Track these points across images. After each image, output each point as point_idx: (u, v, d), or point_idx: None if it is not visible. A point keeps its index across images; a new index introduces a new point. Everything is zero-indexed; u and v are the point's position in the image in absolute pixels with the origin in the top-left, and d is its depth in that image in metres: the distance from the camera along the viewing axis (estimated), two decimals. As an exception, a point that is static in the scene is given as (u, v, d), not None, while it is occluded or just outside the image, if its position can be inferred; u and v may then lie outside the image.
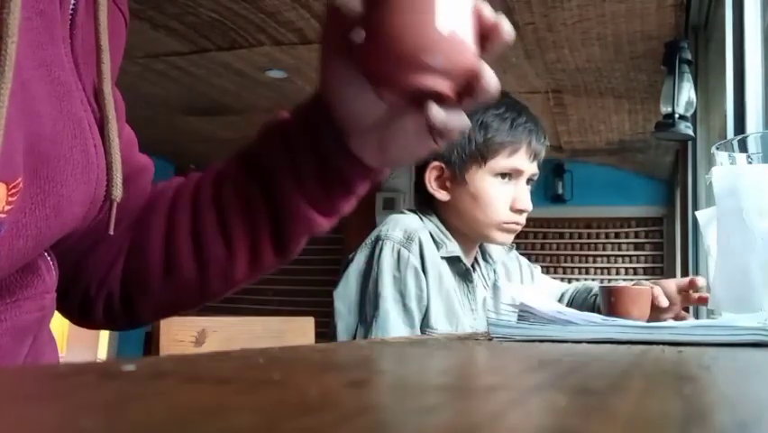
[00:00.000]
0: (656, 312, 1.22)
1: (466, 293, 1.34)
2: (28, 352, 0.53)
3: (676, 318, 1.25)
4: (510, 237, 1.34)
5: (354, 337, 1.22)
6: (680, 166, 3.53)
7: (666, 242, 5.12)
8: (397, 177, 5.55)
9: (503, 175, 1.31)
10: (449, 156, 1.30)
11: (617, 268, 5.25)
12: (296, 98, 0.66)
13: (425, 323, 1.24)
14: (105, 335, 6.60)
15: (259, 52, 3.13)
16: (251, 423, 0.18)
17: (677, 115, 2.32)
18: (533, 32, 2.82)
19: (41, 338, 0.55)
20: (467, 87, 0.50)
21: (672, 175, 4.75)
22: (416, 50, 0.47)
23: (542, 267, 1.77)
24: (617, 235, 5.29)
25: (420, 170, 1.35)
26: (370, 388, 0.28)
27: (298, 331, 1.30)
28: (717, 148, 0.90)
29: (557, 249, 5.39)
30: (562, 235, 5.39)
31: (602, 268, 5.28)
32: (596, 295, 1.44)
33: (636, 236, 5.26)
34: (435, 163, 1.32)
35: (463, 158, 1.29)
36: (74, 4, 0.50)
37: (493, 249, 1.45)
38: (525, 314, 0.74)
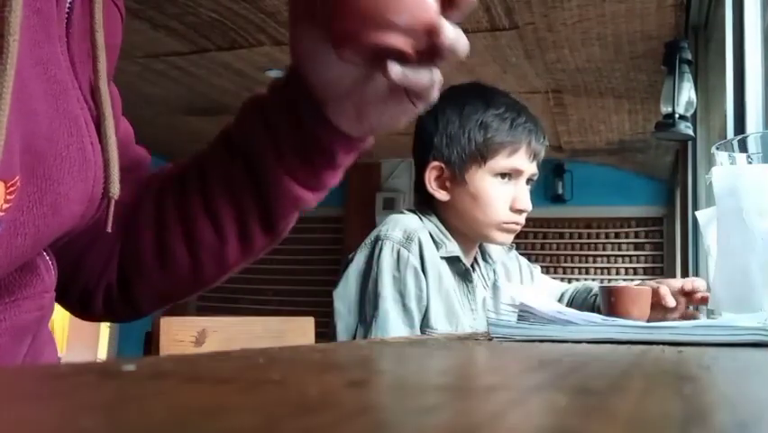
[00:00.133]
0: (663, 312, 1.22)
1: (466, 293, 1.34)
2: (27, 351, 0.53)
3: (684, 317, 1.25)
4: (510, 237, 1.34)
5: (354, 337, 1.22)
6: (680, 166, 3.53)
7: (666, 242, 5.11)
8: (397, 177, 5.55)
9: (503, 175, 1.31)
10: (449, 156, 1.30)
11: (617, 268, 5.25)
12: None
13: (424, 323, 1.24)
14: (104, 335, 6.60)
15: (259, 52, 3.13)
16: (251, 423, 0.18)
17: (677, 115, 2.32)
18: (533, 32, 2.82)
19: (40, 338, 0.55)
20: (431, 47, 0.49)
21: (672, 175, 4.75)
22: (376, 7, 0.47)
23: (542, 267, 1.77)
24: (617, 235, 5.29)
25: (420, 170, 1.35)
26: (370, 388, 0.28)
27: (298, 331, 1.30)
28: (717, 148, 0.90)
29: (557, 249, 5.39)
30: (562, 235, 5.39)
31: (602, 268, 5.28)
32: (596, 295, 1.44)
33: (636, 236, 5.26)
34: (435, 163, 1.32)
35: (463, 158, 1.29)
36: (70, 3, 0.50)
37: (493, 249, 1.45)
38: (525, 314, 0.74)
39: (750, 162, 0.87)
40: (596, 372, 0.37)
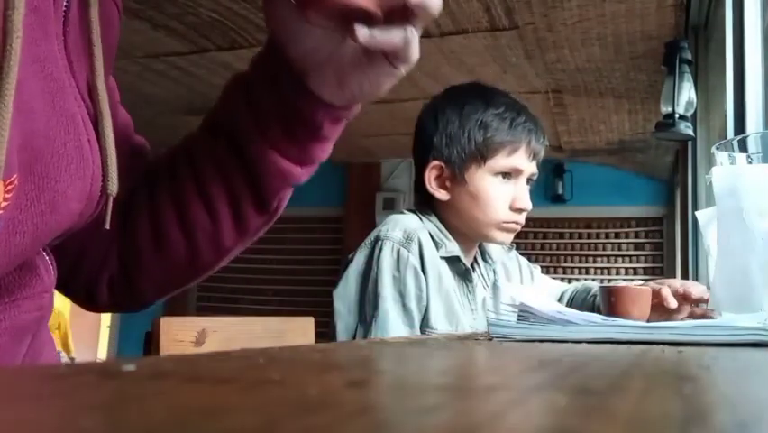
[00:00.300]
0: (666, 313, 1.21)
1: (466, 293, 1.34)
2: (26, 351, 0.53)
3: (692, 316, 1.24)
4: (510, 237, 1.34)
5: (354, 337, 1.22)
6: (680, 166, 3.53)
7: (666, 242, 5.11)
8: (397, 177, 5.55)
9: (503, 174, 1.31)
10: (449, 156, 1.30)
11: (617, 268, 5.24)
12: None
13: (424, 323, 1.24)
14: (104, 335, 6.60)
15: (259, 52, 3.13)
16: (251, 423, 0.18)
17: (677, 115, 2.32)
18: (533, 32, 2.82)
19: (39, 338, 0.55)
20: (401, 5, 0.49)
21: (672, 175, 4.75)
22: None
23: (542, 267, 1.76)
24: (617, 235, 5.29)
25: (420, 169, 1.36)
26: (370, 388, 0.28)
27: (298, 331, 1.30)
28: (717, 148, 0.90)
29: (557, 249, 5.38)
30: (562, 235, 5.39)
31: (602, 268, 5.28)
32: (595, 295, 1.44)
33: (636, 236, 5.25)
34: (435, 163, 1.32)
35: (463, 157, 1.29)
36: (67, 1, 0.50)
37: (493, 249, 1.45)
38: (524, 314, 0.74)
39: (750, 162, 0.87)
40: (596, 372, 0.37)
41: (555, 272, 5.23)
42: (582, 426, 0.19)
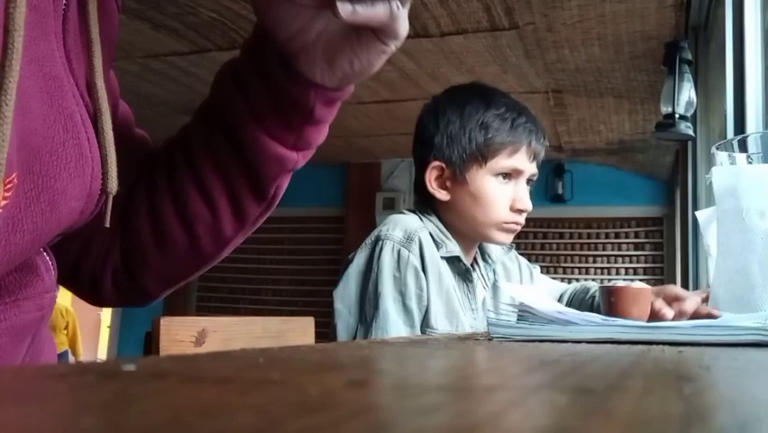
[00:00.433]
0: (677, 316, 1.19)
1: (466, 293, 1.34)
2: (27, 351, 0.53)
3: (696, 316, 1.23)
4: (510, 237, 1.35)
5: (354, 337, 1.22)
6: (680, 166, 3.53)
7: (666, 242, 5.11)
8: (397, 177, 5.55)
9: (503, 175, 1.31)
10: (449, 156, 1.30)
11: (617, 268, 5.24)
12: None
13: (425, 323, 1.24)
14: (105, 335, 6.60)
15: (259, 52, 3.13)
16: (251, 423, 0.18)
17: (677, 115, 2.32)
18: (533, 32, 2.82)
19: (39, 338, 0.55)
20: None
21: (672, 175, 4.75)
22: None
23: (542, 267, 1.76)
24: (617, 235, 5.29)
25: (420, 169, 1.36)
26: (370, 388, 0.28)
27: (298, 331, 1.30)
28: (717, 148, 0.90)
29: (557, 249, 5.38)
30: (562, 235, 5.39)
31: (602, 268, 5.28)
32: (593, 296, 1.44)
33: (636, 236, 5.26)
34: (436, 163, 1.32)
35: (464, 158, 1.30)
36: None
37: (492, 249, 1.45)
38: (524, 314, 0.74)
39: (750, 162, 0.87)
40: (596, 372, 0.37)
41: (555, 272, 5.24)
42: (582, 426, 0.19)
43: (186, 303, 5.89)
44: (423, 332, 1.23)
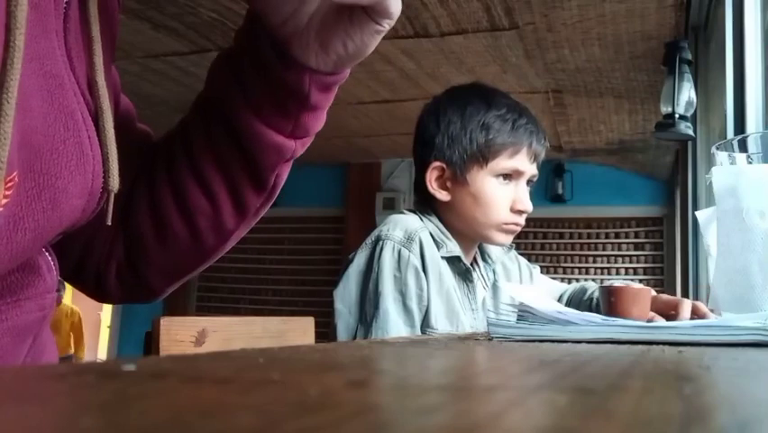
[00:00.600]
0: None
1: (466, 293, 1.34)
2: (28, 352, 0.53)
3: (697, 314, 1.22)
4: (510, 238, 1.35)
5: (355, 337, 1.22)
6: (680, 166, 3.53)
7: (666, 242, 5.12)
8: (397, 177, 5.56)
9: (503, 176, 1.31)
10: (450, 156, 1.30)
11: (617, 268, 5.25)
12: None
13: (425, 323, 1.24)
14: (105, 335, 6.60)
15: (259, 52, 3.13)
16: (251, 423, 0.18)
17: (677, 115, 2.32)
18: (533, 32, 2.82)
19: (41, 338, 0.55)
20: None
21: (672, 175, 4.75)
22: None
23: (542, 267, 1.76)
24: (617, 235, 5.29)
25: (420, 170, 1.36)
26: (370, 388, 0.28)
27: (298, 331, 1.30)
28: (717, 148, 0.90)
29: (557, 249, 5.39)
30: (562, 235, 5.39)
31: (602, 268, 5.28)
32: (591, 296, 1.44)
33: (636, 236, 5.26)
34: (436, 164, 1.32)
35: (464, 158, 1.30)
36: None
37: (492, 249, 1.45)
38: (524, 314, 0.74)
39: (750, 162, 0.87)
40: (596, 372, 0.37)
41: (555, 272, 5.24)
42: (582, 426, 0.19)
43: (186, 303, 5.90)
44: (423, 332, 1.23)
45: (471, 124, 1.30)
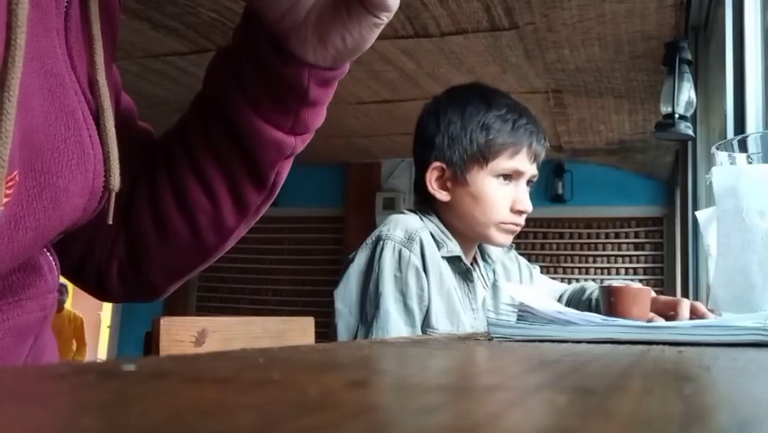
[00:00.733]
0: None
1: (467, 293, 1.34)
2: (29, 352, 0.53)
3: (696, 314, 1.22)
4: (509, 238, 1.35)
5: (355, 337, 1.22)
6: (680, 166, 3.53)
7: (666, 242, 5.12)
8: (397, 177, 5.56)
9: (503, 176, 1.31)
10: (450, 157, 1.30)
11: (617, 268, 5.25)
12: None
13: (426, 323, 1.24)
14: (105, 335, 6.61)
15: (259, 52, 3.13)
16: (251, 423, 0.18)
17: (677, 115, 2.32)
18: (533, 32, 2.82)
19: (41, 338, 0.55)
20: None
21: (672, 175, 4.75)
22: None
23: (542, 267, 1.76)
24: (617, 235, 5.29)
25: (420, 170, 1.36)
26: (370, 388, 0.28)
27: (298, 331, 1.30)
28: (717, 148, 0.90)
29: (557, 249, 5.39)
30: (562, 235, 5.39)
31: (602, 268, 5.28)
32: (591, 297, 1.44)
33: (636, 236, 5.26)
34: (437, 164, 1.32)
35: (464, 159, 1.30)
36: None
37: (492, 249, 1.46)
38: (524, 314, 0.74)
39: (750, 162, 0.87)
40: (596, 372, 0.37)
41: (555, 272, 5.24)
42: (582, 426, 0.19)
43: (186, 303, 5.90)
44: (424, 332, 1.23)
45: (472, 125, 1.30)
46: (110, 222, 0.53)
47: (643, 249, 5.24)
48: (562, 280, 3.54)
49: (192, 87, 3.86)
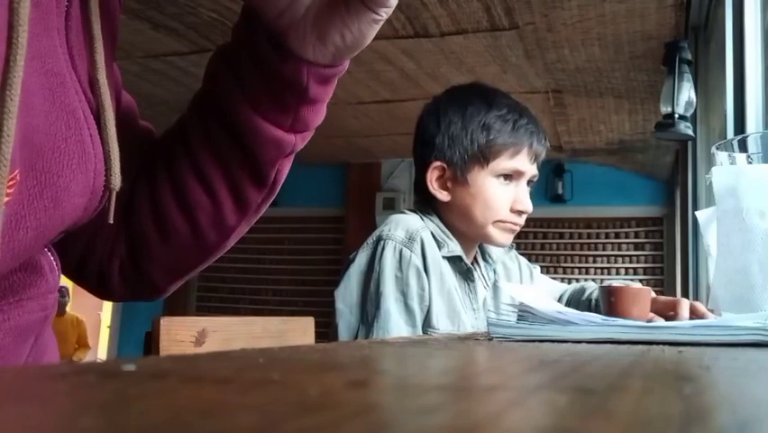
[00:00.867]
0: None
1: (467, 292, 1.34)
2: (30, 352, 0.53)
3: (695, 314, 1.22)
4: (509, 238, 1.35)
5: (356, 337, 1.22)
6: (680, 166, 3.53)
7: (666, 242, 5.12)
8: (397, 177, 5.56)
9: (504, 176, 1.31)
10: (451, 157, 1.30)
11: (617, 268, 5.25)
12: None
13: (426, 323, 1.24)
14: (105, 335, 6.60)
15: (259, 52, 3.13)
16: (251, 423, 0.18)
17: (677, 115, 2.32)
18: (533, 32, 2.82)
19: (42, 338, 0.55)
20: None
21: (672, 175, 4.75)
22: None
23: (542, 267, 1.76)
24: (617, 235, 5.29)
25: (421, 170, 1.36)
26: (370, 388, 0.28)
27: (298, 331, 1.30)
28: (717, 148, 0.90)
29: (557, 249, 5.39)
30: (562, 235, 5.39)
31: (602, 268, 5.28)
32: (591, 297, 1.44)
33: (636, 236, 5.26)
34: (437, 164, 1.32)
35: (465, 159, 1.30)
36: None
37: (493, 249, 1.46)
38: (524, 314, 0.74)
39: (750, 162, 0.87)
40: (596, 372, 0.37)
41: (555, 272, 5.24)
42: (582, 426, 0.19)
43: (186, 303, 5.90)
44: (425, 332, 1.23)
45: (472, 125, 1.30)
46: (111, 221, 0.53)
47: (643, 249, 5.24)
48: (562, 280, 3.54)
49: (192, 87, 3.86)
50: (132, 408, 0.20)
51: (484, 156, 1.29)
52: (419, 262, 1.24)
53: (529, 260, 1.59)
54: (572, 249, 5.37)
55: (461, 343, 0.65)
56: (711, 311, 1.10)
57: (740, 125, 1.73)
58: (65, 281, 0.62)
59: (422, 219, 1.32)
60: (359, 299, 1.24)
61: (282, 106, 0.58)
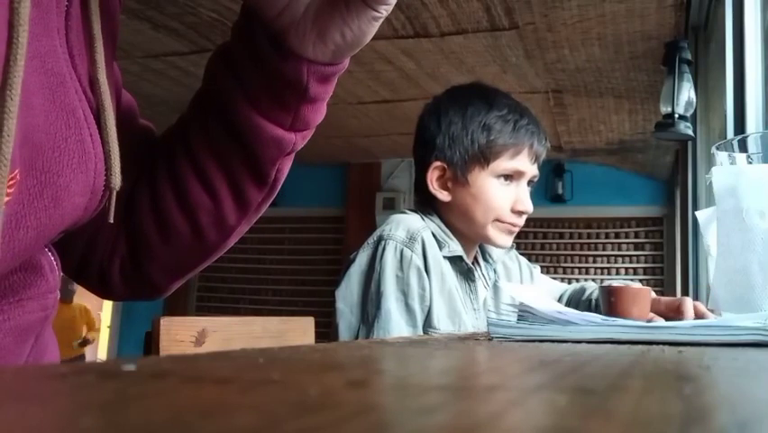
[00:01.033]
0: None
1: (468, 292, 1.34)
2: (30, 352, 0.53)
3: (696, 314, 1.22)
4: (510, 238, 1.35)
5: (356, 337, 1.22)
6: (680, 166, 3.53)
7: (666, 242, 5.12)
8: (397, 177, 5.56)
9: (504, 176, 1.31)
10: (451, 157, 1.30)
11: (617, 268, 5.25)
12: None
13: (427, 323, 1.24)
14: (105, 335, 6.60)
15: (259, 52, 3.13)
16: (251, 423, 0.18)
17: (677, 115, 2.32)
18: (533, 32, 2.82)
19: (42, 338, 0.55)
20: None
21: (672, 175, 4.75)
22: None
23: (542, 267, 1.77)
24: (617, 235, 5.29)
25: (421, 170, 1.36)
26: (370, 388, 0.28)
27: (298, 331, 1.30)
28: (717, 148, 0.90)
29: (557, 249, 5.39)
30: (562, 235, 5.39)
31: (602, 268, 5.28)
32: (591, 297, 1.44)
33: (636, 236, 5.26)
34: (437, 164, 1.32)
35: (465, 159, 1.30)
36: None
37: (493, 249, 1.46)
38: (525, 314, 0.74)
39: (750, 162, 0.87)
40: (596, 372, 0.37)
41: (555, 272, 5.24)
42: (582, 426, 0.19)
43: (186, 303, 5.90)
44: (425, 332, 1.23)
45: (473, 125, 1.30)
46: (111, 221, 0.53)
47: (643, 249, 5.24)
48: (562, 280, 3.54)
49: (192, 87, 3.86)
50: (132, 408, 0.20)
51: (485, 156, 1.29)
52: (420, 262, 1.24)
53: (529, 260, 1.59)
54: (572, 249, 5.37)
55: (462, 343, 0.65)
56: (711, 311, 1.10)
57: (740, 125, 1.73)
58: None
59: (422, 219, 1.32)
60: (359, 299, 1.24)
61: (282, 105, 0.58)
